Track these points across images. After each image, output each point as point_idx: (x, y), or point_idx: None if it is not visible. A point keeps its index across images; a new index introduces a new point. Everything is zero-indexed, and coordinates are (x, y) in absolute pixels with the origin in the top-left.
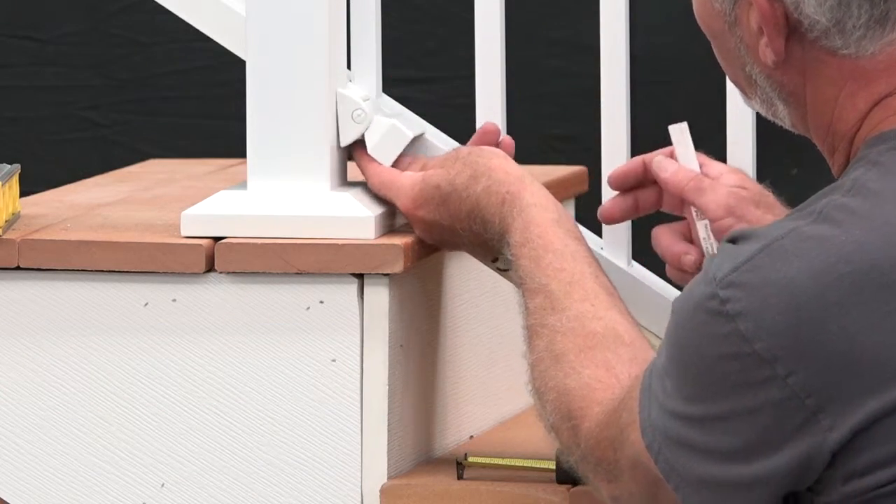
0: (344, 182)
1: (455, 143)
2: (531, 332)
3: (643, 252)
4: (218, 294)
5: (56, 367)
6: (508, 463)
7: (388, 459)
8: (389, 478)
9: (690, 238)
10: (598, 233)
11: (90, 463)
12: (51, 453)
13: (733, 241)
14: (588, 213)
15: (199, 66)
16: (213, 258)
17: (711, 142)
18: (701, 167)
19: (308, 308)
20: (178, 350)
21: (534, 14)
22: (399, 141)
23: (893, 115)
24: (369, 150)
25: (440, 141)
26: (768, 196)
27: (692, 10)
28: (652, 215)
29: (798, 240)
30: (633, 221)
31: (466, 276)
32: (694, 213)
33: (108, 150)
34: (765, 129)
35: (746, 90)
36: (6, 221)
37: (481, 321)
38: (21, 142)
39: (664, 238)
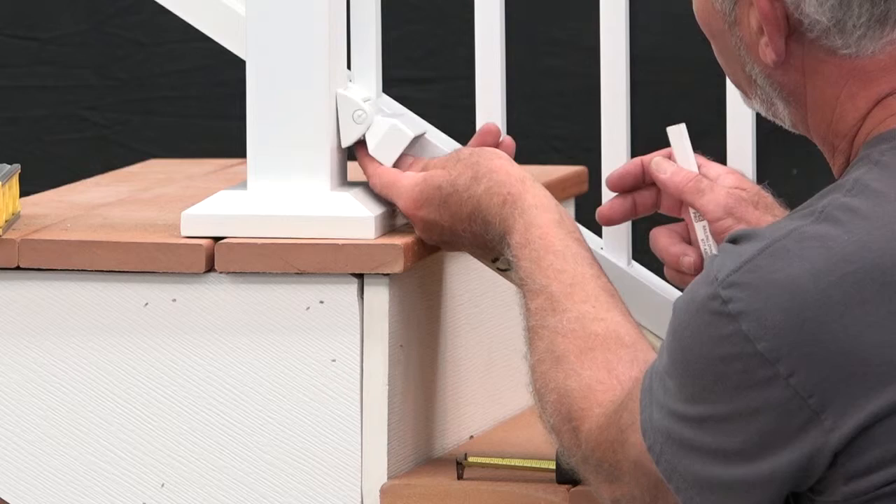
0: (344, 182)
1: (455, 144)
2: (532, 334)
3: (643, 252)
4: (218, 294)
5: (56, 367)
6: (508, 463)
7: (388, 459)
8: (389, 478)
9: (689, 239)
10: (599, 233)
11: (90, 463)
12: (51, 453)
13: (735, 241)
14: (588, 214)
15: (199, 66)
16: (213, 258)
17: (711, 142)
18: (699, 168)
19: (308, 308)
20: (178, 350)
21: (534, 14)
22: (400, 141)
23: (894, 115)
24: (370, 150)
25: (441, 141)
26: (767, 197)
27: (692, 10)
28: (651, 216)
29: (800, 239)
30: (633, 222)
31: (466, 276)
32: (692, 215)
33: (108, 150)
34: (765, 129)
35: (746, 90)
36: (6, 221)
37: (481, 321)
38: (21, 142)
39: (662, 239)
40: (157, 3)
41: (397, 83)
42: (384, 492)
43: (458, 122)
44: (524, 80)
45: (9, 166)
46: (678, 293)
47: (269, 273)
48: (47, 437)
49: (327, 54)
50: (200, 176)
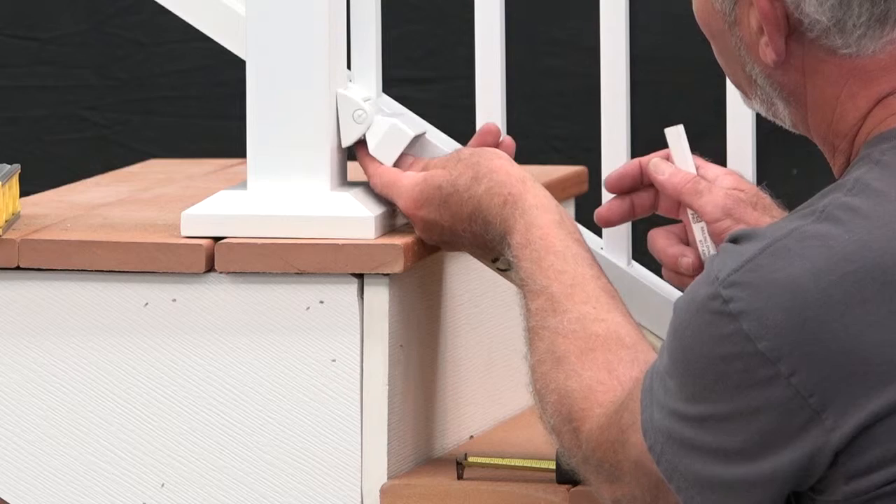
0: (344, 182)
1: (456, 144)
2: (532, 334)
3: (643, 252)
4: (218, 294)
5: (56, 367)
6: (508, 463)
7: (388, 459)
8: (389, 478)
9: (686, 240)
10: (599, 233)
11: (90, 463)
12: (51, 453)
13: (735, 240)
14: (588, 214)
15: (199, 66)
16: (213, 258)
17: (711, 142)
18: (697, 170)
19: (308, 308)
20: (178, 350)
21: (534, 14)
22: (400, 140)
23: (894, 115)
24: (371, 150)
25: (441, 141)
26: (765, 198)
27: (692, 10)
28: (649, 217)
29: (800, 239)
30: (632, 222)
31: (466, 276)
32: (690, 216)
33: (108, 150)
34: (765, 129)
35: (747, 90)
36: (6, 221)
37: (481, 321)
38: (21, 142)
39: (660, 240)
40: (157, 3)
41: (397, 83)
42: (384, 492)
43: (458, 122)
44: (524, 80)
45: (9, 166)
46: (678, 293)
47: (269, 273)
48: (47, 437)
49: (327, 54)
50: (200, 176)
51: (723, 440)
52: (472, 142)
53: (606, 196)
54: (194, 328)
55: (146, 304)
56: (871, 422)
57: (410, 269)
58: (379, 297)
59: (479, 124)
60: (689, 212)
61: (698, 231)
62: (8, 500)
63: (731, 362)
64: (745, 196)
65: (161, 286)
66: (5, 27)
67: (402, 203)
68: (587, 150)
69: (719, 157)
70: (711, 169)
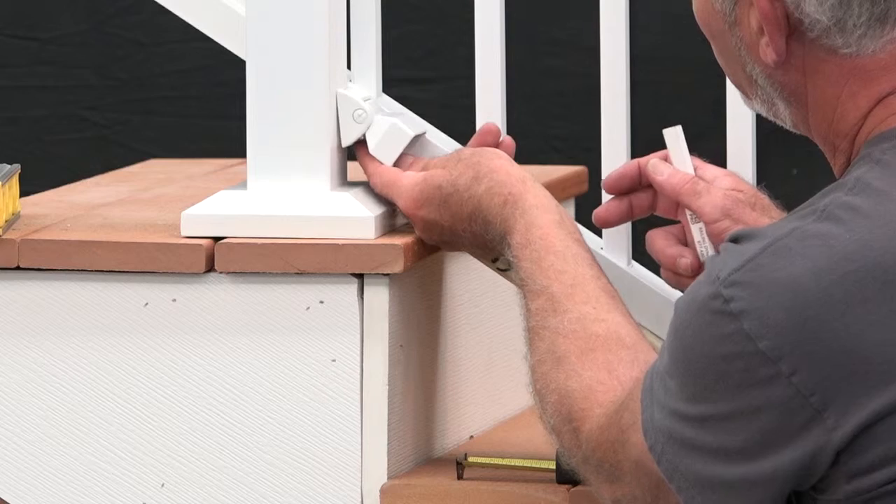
0: (344, 182)
1: (455, 144)
2: (532, 334)
3: (643, 252)
4: (218, 294)
5: (56, 367)
6: (508, 463)
7: (388, 459)
8: (389, 478)
9: (685, 241)
10: (599, 233)
11: (90, 463)
12: (51, 453)
13: (736, 240)
14: (588, 214)
15: (199, 66)
16: (213, 258)
17: (711, 142)
18: (695, 170)
19: (308, 308)
20: (178, 350)
21: (534, 14)
22: (400, 140)
23: (895, 114)
24: (371, 150)
25: (440, 141)
26: (763, 198)
27: (692, 10)
28: (647, 218)
29: (801, 238)
30: (633, 222)
31: (466, 276)
32: (689, 217)
33: (108, 150)
34: (765, 129)
35: (747, 91)
36: (6, 221)
37: (481, 321)
38: (21, 142)
39: (658, 241)
40: (157, 3)
41: (397, 83)
42: (384, 492)
43: (458, 122)
44: (524, 80)
45: (9, 166)
46: (678, 294)
47: (269, 273)
48: (47, 437)
49: (327, 54)
50: (200, 176)
51: (724, 440)
52: (471, 142)
53: (606, 196)
54: (194, 328)
55: (146, 304)
56: (873, 421)
57: (410, 269)
58: (379, 297)
59: (479, 124)
60: (688, 212)
61: (696, 232)
62: (8, 500)
63: (731, 362)
64: (744, 196)
65: (161, 286)
66: (5, 27)
67: (401, 203)
68: (587, 150)
69: (719, 158)
70: (710, 170)
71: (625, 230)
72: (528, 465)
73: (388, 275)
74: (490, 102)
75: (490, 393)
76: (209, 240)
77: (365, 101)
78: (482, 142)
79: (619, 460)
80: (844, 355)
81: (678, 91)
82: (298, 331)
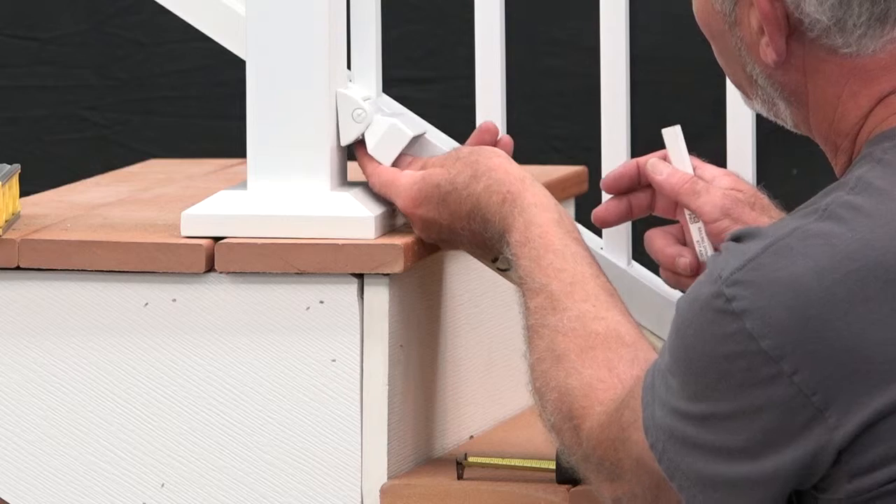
0: (344, 182)
1: (455, 144)
2: (532, 333)
3: (643, 252)
4: (218, 294)
5: (56, 367)
6: (508, 463)
7: (388, 459)
8: (389, 478)
9: (684, 241)
10: (599, 233)
11: (90, 463)
12: (51, 453)
13: (737, 239)
14: (588, 214)
15: (199, 66)
16: (213, 258)
17: (711, 142)
18: (694, 170)
19: (308, 308)
20: (178, 350)
21: (534, 14)
22: (399, 140)
23: None
24: (370, 149)
25: (440, 141)
26: (763, 198)
27: (692, 11)
28: (646, 218)
29: (803, 237)
30: (633, 222)
31: (466, 276)
32: (687, 216)
33: (108, 150)
34: (765, 129)
35: (747, 91)
36: (6, 221)
37: (481, 321)
38: (21, 142)
39: (658, 241)
40: (157, 3)
41: (397, 83)
42: (384, 492)
43: (458, 122)
44: (524, 80)
45: (9, 166)
46: (678, 294)
47: (269, 273)
48: (47, 437)
49: (327, 54)
50: (200, 176)
51: (725, 439)
52: (469, 140)
53: (606, 196)
54: (194, 328)
55: (146, 304)
56: (875, 420)
57: (410, 269)
58: (379, 297)
59: (478, 124)
60: (687, 212)
61: (695, 231)
62: (8, 500)
63: (733, 361)
64: (743, 196)
65: (161, 286)
66: (5, 27)
67: (400, 202)
68: (587, 150)
69: (719, 158)
70: (709, 169)
71: (624, 230)
72: (528, 465)
73: (388, 275)
74: (490, 102)
75: (490, 393)
76: (209, 240)
77: (365, 100)
78: (480, 140)
79: (619, 458)
80: (846, 354)
81: (678, 91)
82: (298, 331)
